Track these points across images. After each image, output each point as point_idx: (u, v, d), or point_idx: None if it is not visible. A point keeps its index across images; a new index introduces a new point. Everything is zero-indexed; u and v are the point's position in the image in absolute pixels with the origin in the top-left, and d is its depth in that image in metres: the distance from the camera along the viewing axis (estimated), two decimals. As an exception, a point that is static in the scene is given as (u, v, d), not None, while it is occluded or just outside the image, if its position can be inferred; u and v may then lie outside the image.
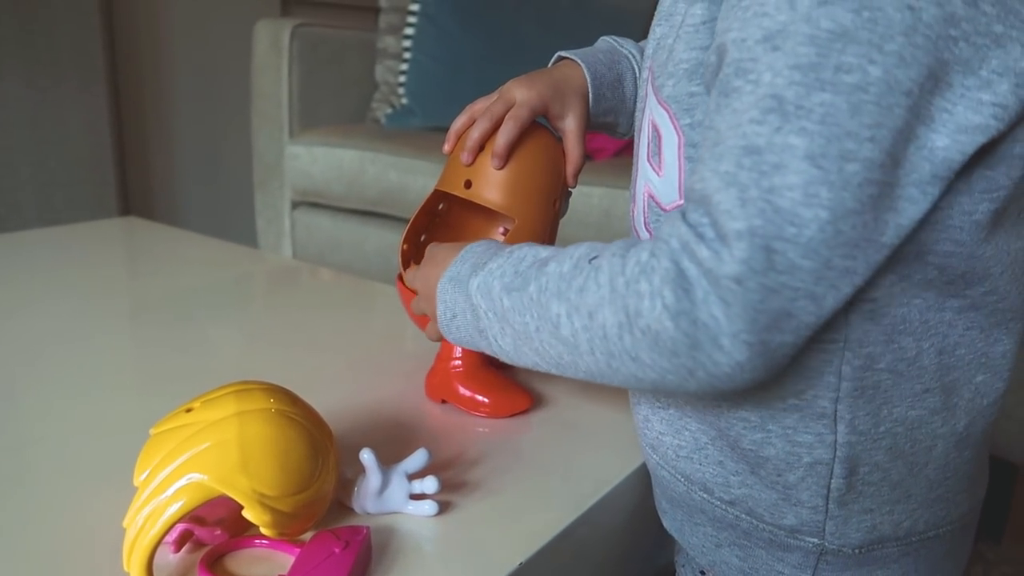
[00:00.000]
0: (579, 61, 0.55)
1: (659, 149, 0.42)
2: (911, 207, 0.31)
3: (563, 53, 0.57)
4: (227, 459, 0.36)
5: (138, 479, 0.38)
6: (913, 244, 0.33)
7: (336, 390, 0.61)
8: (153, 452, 0.38)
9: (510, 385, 0.60)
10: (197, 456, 0.37)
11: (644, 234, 0.45)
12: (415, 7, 1.82)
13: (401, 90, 1.85)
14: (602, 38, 0.60)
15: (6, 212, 1.74)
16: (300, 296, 0.95)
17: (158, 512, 0.37)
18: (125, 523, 0.38)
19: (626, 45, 0.59)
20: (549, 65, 0.57)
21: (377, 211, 1.69)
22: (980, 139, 0.31)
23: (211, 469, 0.37)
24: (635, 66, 0.58)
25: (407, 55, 1.83)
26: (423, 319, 0.51)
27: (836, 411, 0.37)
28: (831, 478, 0.38)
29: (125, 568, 0.37)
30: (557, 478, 0.52)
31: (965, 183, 0.33)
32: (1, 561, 0.40)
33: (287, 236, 1.92)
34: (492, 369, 0.60)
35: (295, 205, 1.89)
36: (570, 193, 0.58)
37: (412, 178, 1.60)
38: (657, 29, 0.44)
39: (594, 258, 0.37)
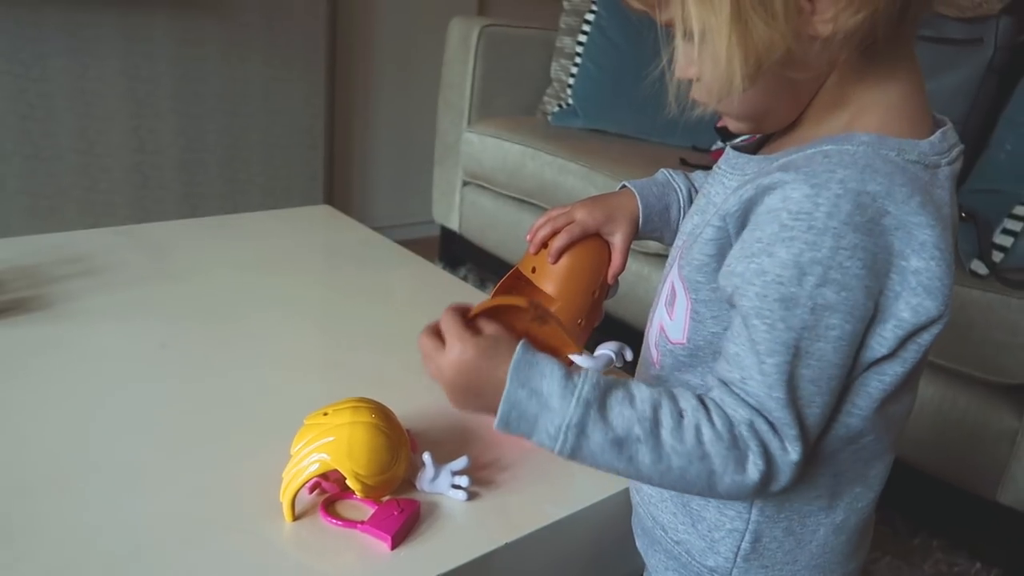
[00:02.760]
0: (635, 192, 0.72)
1: (673, 302, 0.56)
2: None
3: (626, 183, 0.74)
4: (340, 449, 0.62)
5: (293, 449, 0.64)
6: (836, 412, 0.50)
7: (427, 394, 0.86)
8: (302, 435, 0.64)
9: None
10: (325, 445, 0.62)
11: (652, 351, 0.61)
12: (591, 16, 1.96)
13: (569, 90, 2.01)
14: (660, 170, 0.75)
15: (239, 165, 2.14)
16: (438, 304, 1.20)
17: (301, 472, 0.63)
18: (284, 474, 0.64)
19: (677, 179, 0.73)
20: (618, 188, 0.75)
21: (532, 201, 1.90)
22: (874, 356, 0.47)
23: (332, 453, 0.62)
24: (680, 197, 0.72)
25: (578, 59, 1.98)
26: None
27: (754, 501, 0.55)
28: (742, 542, 0.55)
29: (280, 499, 0.64)
30: (560, 484, 0.72)
31: (866, 377, 0.49)
32: (205, 494, 0.68)
33: (456, 210, 2.19)
34: None
35: (465, 184, 2.14)
36: (618, 283, 0.77)
37: (564, 177, 1.80)
38: (693, 219, 0.58)
39: (681, 416, 0.47)
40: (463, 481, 0.68)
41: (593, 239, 0.74)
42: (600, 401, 0.48)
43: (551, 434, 0.48)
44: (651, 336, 0.62)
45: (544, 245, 0.74)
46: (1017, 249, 1.21)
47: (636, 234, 0.74)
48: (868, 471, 0.55)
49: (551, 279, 0.74)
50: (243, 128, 2.11)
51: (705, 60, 0.47)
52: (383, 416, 0.65)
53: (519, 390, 0.48)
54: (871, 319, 0.46)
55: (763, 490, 0.48)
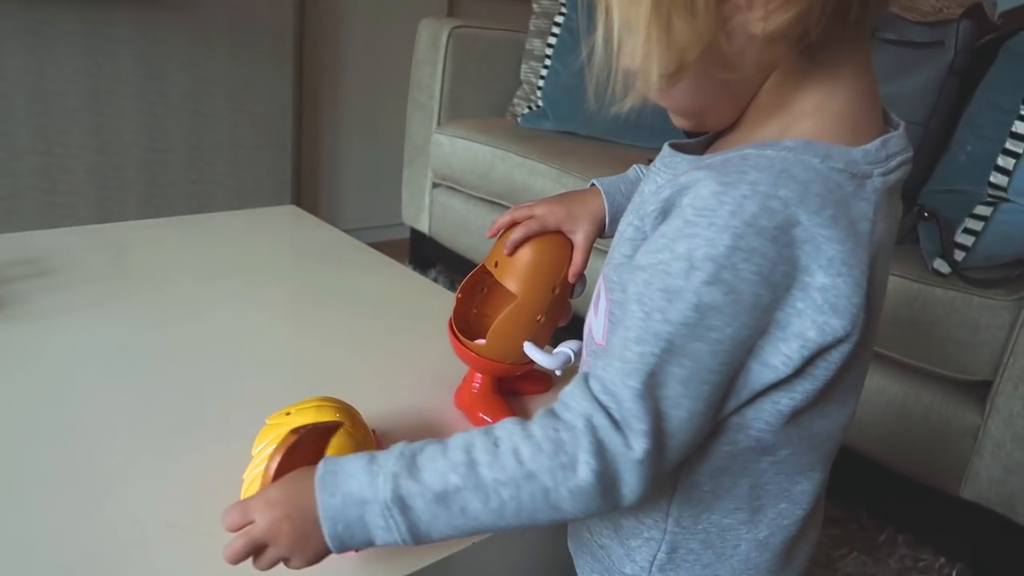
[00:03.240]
0: (602, 192, 0.71)
1: (599, 303, 0.55)
2: (735, 403, 0.47)
3: (595, 181, 0.73)
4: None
5: (255, 450, 0.62)
6: (738, 423, 0.48)
7: (394, 395, 0.85)
8: (264, 435, 0.62)
9: (507, 410, 0.80)
10: (287, 443, 0.60)
11: (585, 353, 0.60)
12: (560, 19, 1.97)
13: (539, 92, 2.01)
14: (632, 167, 0.74)
15: (204, 165, 2.11)
16: (406, 305, 1.19)
17: (262, 473, 0.61)
18: (244, 475, 0.62)
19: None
20: (587, 185, 0.74)
21: (502, 203, 1.90)
22: (777, 375, 0.45)
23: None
24: None
25: (548, 61, 1.98)
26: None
27: (668, 510, 0.53)
28: (658, 551, 0.54)
29: (242, 498, 0.62)
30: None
31: (770, 393, 0.47)
32: (162, 499, 0.66)
33: (425, 211, 2.17)
34: (499, 395, 0.81)
35: (435, 185, 2.13)
36: (584, 281, 0.77)
37: (534, 179, 1.79)
38: (628, 216, 0.55)
39: (497, 443, 0.45)
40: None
41: (555, 236, 0.74)
42: (409, 466, 0.46)
43: (383, 526, 0.46)
44: (585, 335, 0.61)
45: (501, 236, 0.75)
46: (978, 248, 1.23)
47: (601, 233, 0.73)
48: (792, 487, 0.53)
49: (510, 274, 0.74)
50: (208, 128, 2.07)
51: (624, 55, 0.45)
52: (348, 415, 0.63)
53: (331, 500, 0.46)
54: (765, 335, 0.44)
55: (610, 494, 0.45)
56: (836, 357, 0.45)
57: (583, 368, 0.60)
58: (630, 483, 0.45)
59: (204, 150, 2.09)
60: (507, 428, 0.47)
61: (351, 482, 0.46)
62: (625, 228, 0.51)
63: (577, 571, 0.63)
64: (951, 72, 1.30)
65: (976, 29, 1.31)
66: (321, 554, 0.49)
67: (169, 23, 1.92)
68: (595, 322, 0.57)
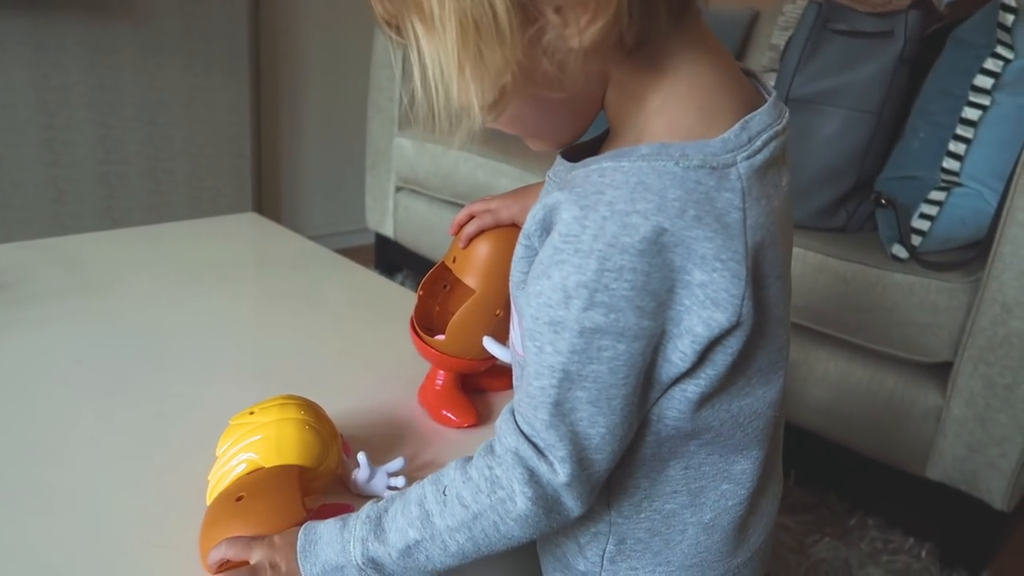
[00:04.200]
0: None
1: (513, 315, 0.55)
2: (655, 397, 0.48)
3: (549, 174, 0.73)
4: (269, 447, 0.59)
5: (218, 451, 0.61)
6: (655, 415, 0.49)
7: (358, 395, 0.84)
8: (228, 436, 0.61)
9: (469, 406, 0.79)
10: (252, 443, 0.59)
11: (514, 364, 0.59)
12: (518, 19, 1.97)
13: (499, 93, 2.02)
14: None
15: (162, 176, 2.07)
16: (370, 308, 1.18)
17: (228, 473, 0.60)
18: (209, 476, 0.61)
19: None
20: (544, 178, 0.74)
21: (466, 204, 1.90)
22: (678, 369, 0.46)
23: (260, 452, 0.59)
24: None
25: (507, 62, 1.99)
26: None
27: (609, 502, 0.53)
28: (607, 544, 0.54)
29: (207, 503, 0.61)
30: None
31: (678, 383, 0.48)
32: (124, 510, 0.65)
33: (390, 215, 2.16)
34: (462, 393, 0.80)
35: (398, 189, 2.12)
36: None
37: (497, 179, 1.79)
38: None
39: (444, 491, 0.49)
40: (399, 482, 0.65)
41: (510, 229, 0.73)
42: (375, 529, 0.51)
43: None
44: (511, 348, 0.61)
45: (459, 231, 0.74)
46: (934, 232, 1.26)
47: None
48: (730, 467, 0.53)
49: (467, 269, 0.74)
50: (164, 137, 2.04)
51: (442, 95, 0.45)
52: (312, 412, 0.62)
53: (312, 568, 0.52)
54: (664, 334, 0.45)
55: (555, 512, 0.48)
56: (733, 344, 0.46)
57: (515, 380, 0.59)
58: (567, 502, 0.48)
59: (161, 160, 2.06)
60: (450, 475, 0.50)
61: (327, 551, 0.52)
62: (517, 247, 0.51)
63: (542, 570, 0.63)
64: (901, 61, 1.33)
65: (924, 19, 1.34)
66: None
67: (119, 33, 1.89)
68: (515, 334, 0.56)
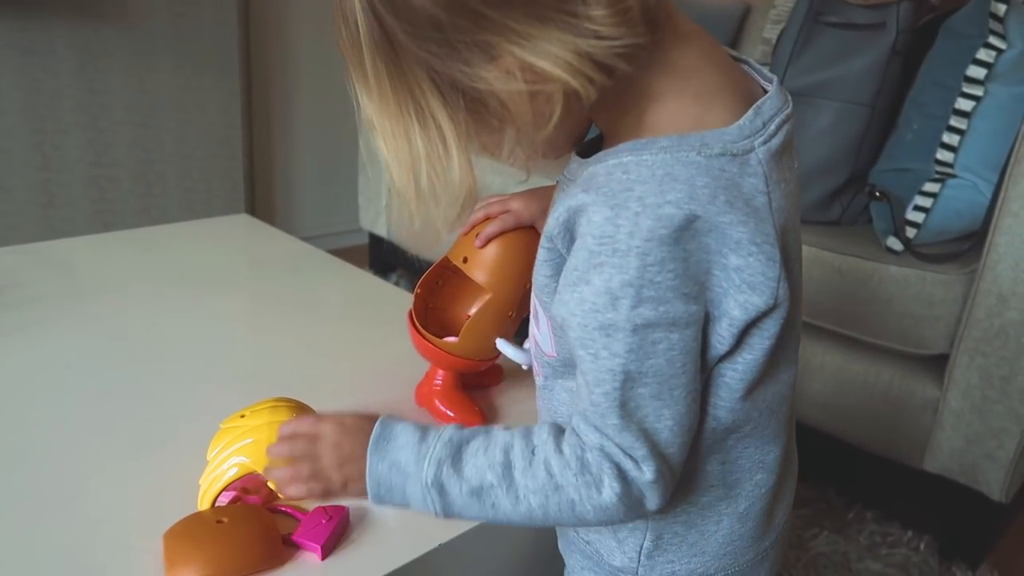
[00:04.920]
0: None
1: (538, 317, 0.56)
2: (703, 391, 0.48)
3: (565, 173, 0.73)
4: (260, 451, 0.58)
5: (209, 455, 0.60)
6: (705, 412, 0.49)
7: (353, 396, 0.83)
8: (219, 440, 0.60)
9: (471, 405, 0.79)
10: (243, 447, 0.59)
11: (535, 362, 0.60)
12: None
13: (492, 91, 2.01)
14: None
15: (153, 179, 2.06)
16: (363, 308, 1.17)
17: (219, 477, 0.59)
18: (200, 481, 0.60)
19: None
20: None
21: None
22: (716, 353, 0.46)
23: (251, 455, 0.58)
24: None
25: (499, 59, 1.98)
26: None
27: (646, 517, 0.54)
28: (644, 540, 0.55)
29: (199, 507, 0.60)
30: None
31: (718, 368, 0.48)
32: (115, 514, 0.64)
33: (383, 215, 2.15)
34: (462, 391, 0.79)
35: (391, 189, 2.11)
36: None
37: (490, 177, 1.78)
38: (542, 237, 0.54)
39: (534, 453, 0.48)
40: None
41: (528, 231, 0.73)
42: (454, 456, 0.49)
43: (419, 498, 0.49)
44: (531, 348, 0.61)
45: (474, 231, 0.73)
46: (929, 224, 1.26)
47: None
48: (766, 457, 0.54)
49: (482, 268, 0.73)
50: (156, 140, 2.03)
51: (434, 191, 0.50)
52: (304, 414, 0.62)
53: (379, 464, 0.50)
54: (707, 318, 0.45)
55: (634, 509, 0.48)
56: (771, 327, 0.46)
57: (538, 379, 0.60)
58: (652, 499, 0.48)
59: (153, 163, 2.04)
60: (543, 437, 0.49)
61: (400, 454, 0.50)
62: (539, 250, 0.51)
63: (567, 570, 0.63)
64: (894, 52, 1.33)
65: (916, 10, 1.34)
66: (350, 492, 0.52)
67: (108, 36, 1.88)
68: (540, 336, 0.57)
